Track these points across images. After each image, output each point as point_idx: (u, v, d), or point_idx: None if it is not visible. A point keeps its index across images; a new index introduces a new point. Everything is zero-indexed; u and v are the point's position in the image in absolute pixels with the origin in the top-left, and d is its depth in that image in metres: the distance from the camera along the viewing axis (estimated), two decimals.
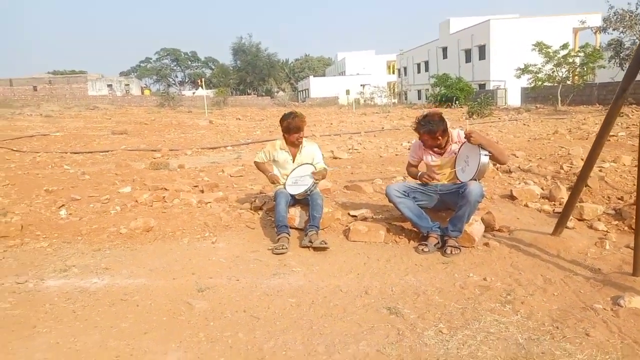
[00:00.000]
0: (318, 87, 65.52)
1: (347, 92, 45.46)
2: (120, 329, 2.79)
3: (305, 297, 3.18)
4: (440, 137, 4.05)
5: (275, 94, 69.63)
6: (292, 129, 4.58)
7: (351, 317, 2.87)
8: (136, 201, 5.66)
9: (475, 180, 3.84)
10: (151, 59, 76.96)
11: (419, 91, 52.50)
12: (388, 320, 2.82)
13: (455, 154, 4.10)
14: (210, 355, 2.48)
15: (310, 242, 4.09)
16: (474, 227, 4.11)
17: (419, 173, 4.31)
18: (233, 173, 7.69)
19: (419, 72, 55.00)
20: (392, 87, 60.95)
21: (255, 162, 4.99)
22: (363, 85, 55.20)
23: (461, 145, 4.07)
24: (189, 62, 79.28)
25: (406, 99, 55.97)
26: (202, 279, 3.51)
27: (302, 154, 4.73)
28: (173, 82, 78.20)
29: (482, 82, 40.76)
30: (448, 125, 4.14)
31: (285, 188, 4.54)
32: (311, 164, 4.64)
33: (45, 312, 3.02)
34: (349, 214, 4.93)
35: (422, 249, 3.97)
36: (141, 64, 76.89)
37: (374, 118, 24.33)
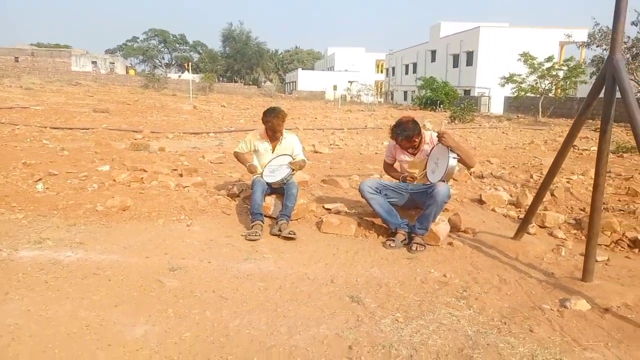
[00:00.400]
0: (306, 80, 65.50)
1: (335, 87, 45.61)
2: (92, 300, 2.89)
3: (274, 282, 3.31)
4: (415, 139, 4.23)
5: (263, 83, 69.42)
6: (272, 127, 4.73)
7: (315, 303, 3.02)
8: (114, 180, 5.72)
9: (444, 181, 4.02)
10: (138, 38, 76.04)
11: (405, 92, 52.95)
12: (349, 307, 2.97)
13: (427, 155, 4.28)
14: (177, 329, 2.60)
15: (280, 230, 4.23)
16: (440, 226, 4.29)
17: (402, 174, 4.48)
18: (213, 160, 7.77)
19: (406, 73, 55.43)
20: (379, 86, 61.30)
21: (235, 152, 5.10)
22: (351, 82, 55.37)
23: (433, 147, 4.25)
24: (177, 45, 78.38)
25: (392, 99, 56.38)
26: (174, 259, 3.61)
27: (282, 145, 4.86)
28: (159, 63, 77.26)
29: (468, 88, 41.34)
30: (421, 127, 4.32)
31: (262, 177, 4.67)
32: (290, 155, 4.77)
33: (17, 281, 3.09)
34: (323, 206, 5.08)
35: (389, 244, 4.14)
36: (128, 43, 75.75)
37: (359, 115, 24.55)
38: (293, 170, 4.59)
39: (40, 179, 5.58)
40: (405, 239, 4.22)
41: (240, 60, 68.69)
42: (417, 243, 4.10)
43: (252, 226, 4.27)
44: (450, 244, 4.28)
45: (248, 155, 5.01)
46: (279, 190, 4.71)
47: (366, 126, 17.39)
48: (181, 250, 3.83)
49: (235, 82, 64.59)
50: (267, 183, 4.61)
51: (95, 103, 20.44)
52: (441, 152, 4.10)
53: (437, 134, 4.05)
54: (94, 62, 57.90)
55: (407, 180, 4.39)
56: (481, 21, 41.87)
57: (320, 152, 9.45)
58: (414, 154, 4.36)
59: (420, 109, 36.43)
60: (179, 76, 62.29)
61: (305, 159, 4.94)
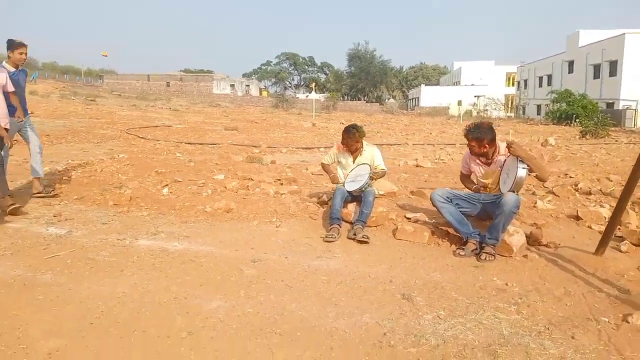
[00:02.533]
0: (429, 95, 64.63)
1: (459, 102, 44.35)
2: (184, 280, 3.52)
3: (336, 278, 3.67)
4: (487, 145, 4.31)
5: (386, 101, 69.90)
6: (346, 144, 5.18)
7: (368, 297, 3.32)
8: (225, 187, 6.55)
9: (513, 191, 4.05)
10: (272, 62, 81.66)
11: (539, 106, 49.58)
12: (398, 303, 3.22)
13: (500, 166, 4.33)
14: (243, 306, 3.09)
15: (354, 234, 4.57)
16: (514, 238, 4.29)
17: (476, 185, 4.60)
18: (315, 171, 8.36)
19: (540, 85, 51.92)
20: (509, 99, 58.24)
21: (321, 163, 5.59)
22: (477, 97, 53.46)
23: (507, 158, 4.29)
24: (306, 67, 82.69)
25: (524, 113, 53.15)
26: (257, 253, 4.16)
27: (362, 156, 5.23)
28: (289, 84, 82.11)
29: (611, 101, 37.52)
30: (496, 137, 4.39)
31: (344, 186, 5.07)
32: (369, 164, 5.12)
33: (132, 262, 3.86)
34: (404, 216, 5.31)
35: (459, 253, 4.25)
36: (262, 67, 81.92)
37: None
38: (372, 178, 4.92)
39: (166, 185, 6.61)
40: (476, 249, 4.29)
41: (364, 79, 70.17)
42: (487, 253, 4.15)
43: (330, 229, 4.68)
44: (525, 256, 4.25)
45: (333, 167, 5.45)
46: (359, 197, 5.07)
47: None
48: (265, 246, 4.37)
49: (359, 100, 66.06)
50: (347, 191, 5.00)
51: (228, 122, 22.64)
52: (512, 163, 4.13)
53: (505, 144, 4.11)
54: (232, 85, 63.74)
55: (480, 190, 4.47)
56: (625, 27, 37.84)
57: (422, 166, 9.56)
58: (487, 164, 4.44)
59: (554, 124, 33.97)
60: (307, 96, 65.44)
61: (385, 169, 5.23)
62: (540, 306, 3.21)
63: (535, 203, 5.94)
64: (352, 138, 5.13)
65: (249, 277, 3.63)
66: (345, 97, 69.78)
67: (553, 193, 6.69)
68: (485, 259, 4.11)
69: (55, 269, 3.65)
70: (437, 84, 78.56)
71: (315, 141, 14.95)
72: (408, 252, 4.36)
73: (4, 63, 5.55)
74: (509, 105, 56.10)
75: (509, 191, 4.06)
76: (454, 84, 72.03)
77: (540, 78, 52.10)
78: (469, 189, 4.70)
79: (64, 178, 6.88)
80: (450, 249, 4.46)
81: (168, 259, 3.96)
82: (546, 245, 4.54)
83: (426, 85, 72.95)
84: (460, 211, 4.41)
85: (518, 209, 4.16)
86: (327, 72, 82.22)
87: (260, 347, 2.61)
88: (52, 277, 3.48)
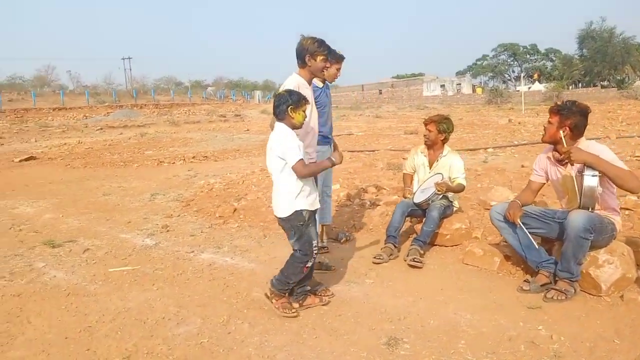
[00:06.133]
0: None
1: None
2: (192, 295, 3.57)
3: (339, 309, 3.22)
4: (567, 128, 3.21)
5: (631, 84, 58.78)
6: (426, 131, 4.47)
7: (349, 337, 2.82)
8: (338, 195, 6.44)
9: (583, 208, 2.93)
10: (488, 56, 76.91)
11: None
12: (377, 349, 2.66)
13: (581, 172, 3.17)
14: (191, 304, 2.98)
15: (407, 256, 3.94)
16: (604, 271, 3.11)
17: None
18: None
19: None
20: None
21: (403, 173, 4.96)
22: None
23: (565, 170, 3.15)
24: (527, 56, 75.32)
25: None
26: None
27: (439, 163, 4.49)
28: (509, 77, 76.10)
29: None
30: (585, 126, 3.24)
31: (413, 197, 4.44)
32: (442, 174, 4.36)
33: (180, 273, 4.09)
34: (475, 236, 4.40)
35: (522, 287, 3.29)
36: (477, 62, 77.84)
37: None
38: (438, 191, 4.18)
39: None
40: (549, 282, 3.25)
41: (600, 62, 60.28)
42: (557, 290, 3.12)
43: (382, 248, 4.15)
44: (621, 296, 3.05)
45: (409, 177, 4.78)
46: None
47: None
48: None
49: (595, 86, 57.09)
50: (415, 203, 4.35)
51: (415, 125, 22.16)
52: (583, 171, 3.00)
53: (563, 152, 3.00)
54: (442, 86, 62.27)
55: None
56: None
57: None
58: (564, 164, 3.29)
59: None
60: (529, 88, 59.74)
61: (462, 183, 4.37)
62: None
63: None
64: (433, 122, 4.44)
65: (255, 297, 3.47)
66: (579, 84, 61.16)
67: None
68: (552, 297, 3.09)
69: (106, 280, 4.07)
70: None
71: (496, 139, 13.43)
72: (461, 281, 3.59)
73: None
74: None
75: (577, 208, 2.96)
76: None
77: None
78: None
79: (200, 193, 7.71)
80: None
81: (204, 274, 4.04)
82: None
83: None
84: (531, 232, 3.39)
85: (592, 234, 2.97)
86: (554, 58, 73.36)
87: None
88: (95, 287, 3.91)
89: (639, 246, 3.56)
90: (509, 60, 76.52)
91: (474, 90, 62.47)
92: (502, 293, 3.32)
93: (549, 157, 3.46)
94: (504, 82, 74.14)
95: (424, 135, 4.52)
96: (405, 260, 3.97)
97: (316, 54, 3.45)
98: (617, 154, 9.07)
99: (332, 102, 4.58)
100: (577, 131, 3.24)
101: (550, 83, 59.09)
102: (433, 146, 4.53)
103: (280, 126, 3.14)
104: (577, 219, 2.93)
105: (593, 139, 3.48)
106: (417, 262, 3.86)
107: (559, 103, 3.33)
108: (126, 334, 3.02)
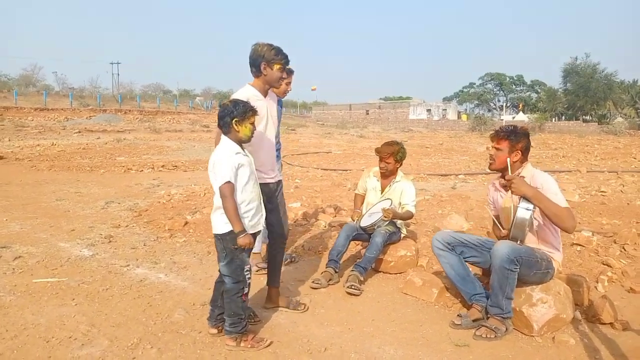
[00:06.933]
0: None
1: None
2: (107, 313, 3.34)
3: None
4: (519, 151, 3.12)
5: (613, 119, 60.00)
6: (379, 155, 4.32)
7: None
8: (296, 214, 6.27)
9: (512, 239, 2.81)
10: (475, 83, 78.15)
11: None
12: None
13: (520, 197, 3.03)
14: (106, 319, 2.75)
15: (346, 282, 3.77)
16: (537, 309, 2.98)
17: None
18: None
19: None
20: None
21: (355, 193, 4.82)
22: None
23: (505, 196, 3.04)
24: (513, 86, 76.74)
25: None
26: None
27: (392, 188, 4.35)
28: (494, 106, 77.25)
29: None
30: (528, 149, 3.15)
31: (359, 220, 4.28)
32: (392, 200, 4.22)
33: (107, 288, 3.84)
34: (420, 264, 4.25)
35: (455, 322, 3.14)
36: (464, 89, 78.99)
37: None
38: (384, 217, 4.02)
39: None
40: (482, 318, 3.10)
41: (583, 96, 61.52)
42: (487, 327, 2.97)
43: (322, 273, 3.98)
44: (553, 338, 2.91)
45: (360, 199, 4.64)
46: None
47: None
48: None
49: (577, 119, 58.13)
50: (360, 227, 4.20)
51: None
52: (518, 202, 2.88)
53: (505, 179, 2.89)
54: (428, 110, 62.90)
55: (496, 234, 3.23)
56: None
57: (568, 200, 7.64)
58: (508, 190, 3.17)
59: None
60: (513, 117, 60.64)
61: (411, 211, 4.22)
62: None
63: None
64: (389, 147, 4.29)
65: (178, 319, 3.26)
66: (562, 117, 62.22)
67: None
68: (481, 335, 2.94)
69: (26, 291, 3.81)
70: None
71: (462, 168, 13.44)
72: (395, 312, 3.42)
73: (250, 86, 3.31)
74: None
75: (506, 238, 2.84)
76: None
77: None
78: (496, 235, 3.45)
79: (157, 203, 7.47)
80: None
81: (131, 292, 3.82)
82: (611, 325, 3.05)
83: None
84: (467, 261, 3.26)
85: (517, 265, 2.83)
86: (539, 90, 74.74)
87: None
88: (11, 299, 3.66)
89: (581, 286, 3.45)
90: (495, 90, 77.87)
91: (459, 117, 63.26)
92: (434, 327, 3.16)
93: (493, 184, 3.36)
94: (489, 110, 75.27)
95: (381, 168, 4.36)
96: (344, 287, 3.79)
97: (273, 62, 3.13)
98: (583, 187, 9.09)
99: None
100: (527, 153, 3.16)
101: (534, 114, 60.15)
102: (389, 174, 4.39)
103: (223, 141, 2.92)
104: (501, 249, 2.82)
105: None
106: (355, 289, 3.69)
107: (498, 129, 3.23)
108: (22, 354, 2.79)
